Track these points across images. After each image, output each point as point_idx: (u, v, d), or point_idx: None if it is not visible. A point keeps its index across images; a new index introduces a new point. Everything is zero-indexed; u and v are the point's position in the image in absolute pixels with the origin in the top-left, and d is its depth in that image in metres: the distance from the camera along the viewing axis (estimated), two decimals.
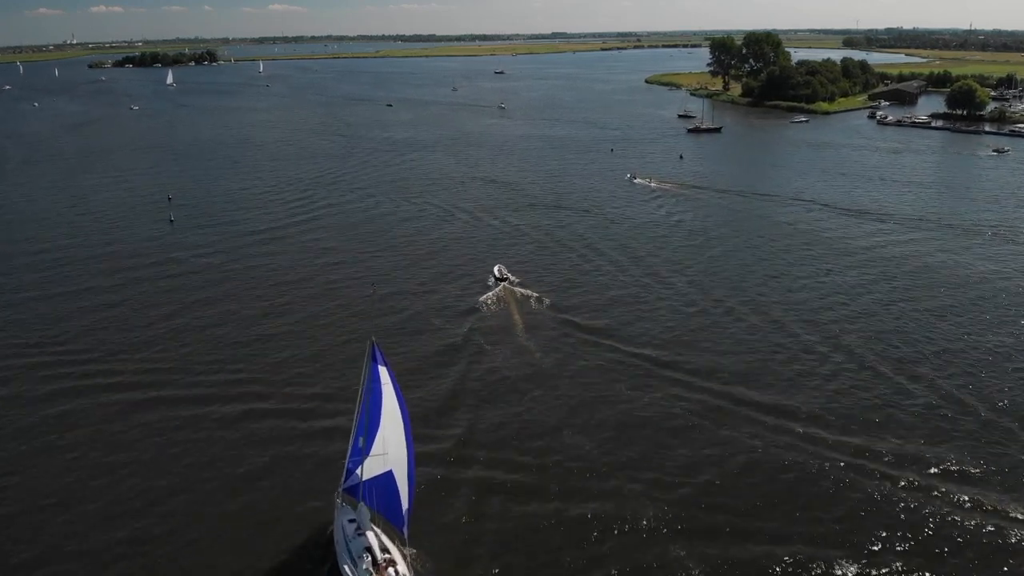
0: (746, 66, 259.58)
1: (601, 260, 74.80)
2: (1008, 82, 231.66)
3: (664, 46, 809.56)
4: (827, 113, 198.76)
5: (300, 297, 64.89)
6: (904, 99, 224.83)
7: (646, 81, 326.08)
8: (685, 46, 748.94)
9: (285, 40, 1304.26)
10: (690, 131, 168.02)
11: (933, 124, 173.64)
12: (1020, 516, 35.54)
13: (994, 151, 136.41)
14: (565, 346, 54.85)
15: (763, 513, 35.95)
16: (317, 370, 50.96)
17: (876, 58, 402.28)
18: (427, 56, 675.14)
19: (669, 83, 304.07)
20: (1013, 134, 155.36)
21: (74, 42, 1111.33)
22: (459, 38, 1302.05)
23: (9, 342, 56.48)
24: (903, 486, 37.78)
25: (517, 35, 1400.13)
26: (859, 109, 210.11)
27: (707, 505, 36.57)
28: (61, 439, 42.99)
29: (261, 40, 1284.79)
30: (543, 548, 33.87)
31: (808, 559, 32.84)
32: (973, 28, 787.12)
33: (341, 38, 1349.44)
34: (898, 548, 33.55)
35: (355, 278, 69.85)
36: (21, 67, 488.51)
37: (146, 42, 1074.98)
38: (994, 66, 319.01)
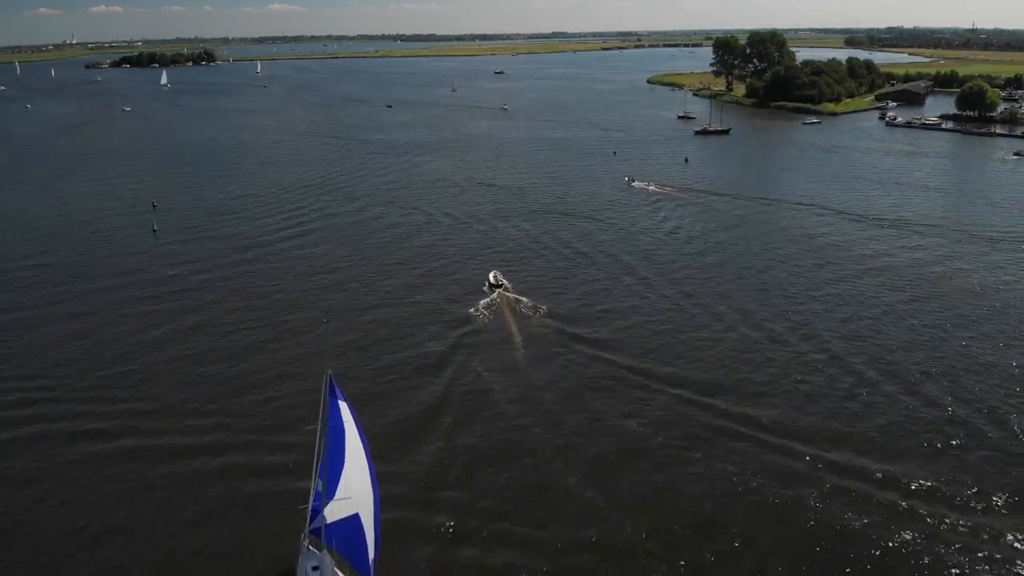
0: (750, 66, 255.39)
1: (600, 266, 72.00)
2: (1016, 82, 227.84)
3: (665, 45, 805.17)
4: (834, 114, 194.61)
5: (280, 317, 60.20)
6: (912, 100, 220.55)
7: (648, 81, 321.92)
8: (686, 45, 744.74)
9: (285, 40, 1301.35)
10: (697, 133, 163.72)
11: (943, 126, 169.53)
12: None
13: (1015, 154, 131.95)
14: (559, 360, 51.81)
15: None
16: (291, 400, 46.62)
17: (879, 57, 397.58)
18: (426, 56, 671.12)
19: (671, 83, 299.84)
20: None
21: (74, 42, 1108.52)
22: (459, 38, 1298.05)
23: None
24: (960, 546, 33.71)
25: (517, 35, 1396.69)
26: (867, 110, 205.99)
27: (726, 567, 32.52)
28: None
29: (261, 40, 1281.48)
30: None
31: None
32: (975, 27, 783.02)
33: (341, 38, 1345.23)
34: None
35: (341, 294, 65.73)
36: (18, 67, 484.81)
37: (146, 42, 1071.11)
38: (999, 66, 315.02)
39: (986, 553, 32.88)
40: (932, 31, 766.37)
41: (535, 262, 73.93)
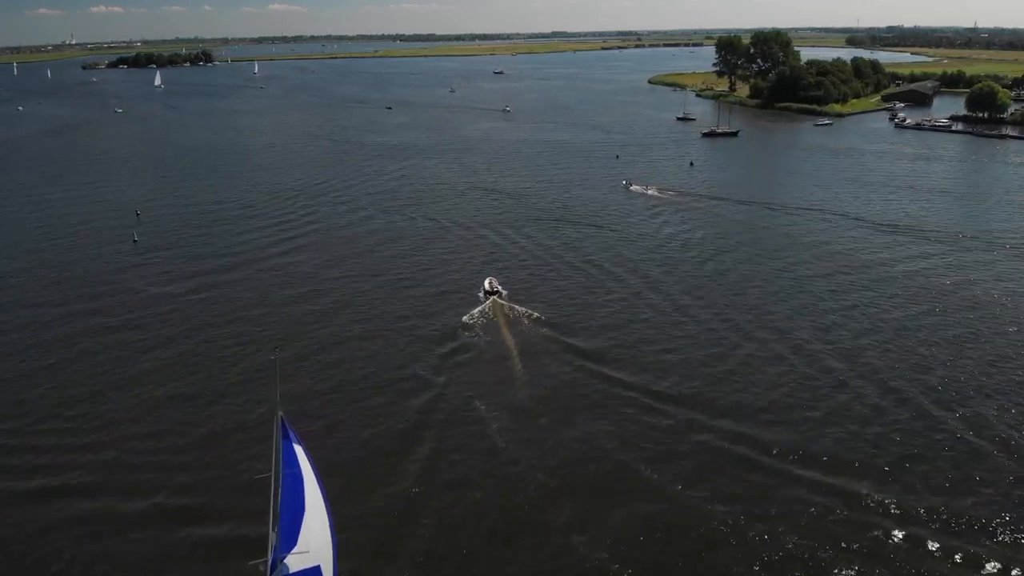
0: (753, 66, 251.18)
1: (598, 275, 69.46)
2: None
3: (665, 45, 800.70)
4: (841, 115, 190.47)
5: (259, 343, 55.69)
6: (919, 100, 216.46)
7: (649, 81, 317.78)
8: (687, 45, 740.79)
9: (285, 40, 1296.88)
10: (705, 135, 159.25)
11: (954, 127, 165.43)
12: None
13: None
14: (554, 376, 49.34)
15: None
16: (244, 445, 41.56)
17: (882, 57, 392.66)
18: (426, 56, 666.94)
19: (673, 83, 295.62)
20: None
21: (73, 42, 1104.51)
22: (459, 37, 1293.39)
23: None
24: None
25: (517, 34, 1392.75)
26: (875, 111, 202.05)
27: None
28: None
29: (260, 40, 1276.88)
30: None
31: None
32: (977, 27, 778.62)
33: (341, 38, 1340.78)
34: None
35: (332, 310, 61.66)
36: (16, 68, 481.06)
37: (145, 42, 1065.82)
38: (1004, 65, 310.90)
39: None
40: (933, 30, 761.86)
41: (533, 270, 71.28)
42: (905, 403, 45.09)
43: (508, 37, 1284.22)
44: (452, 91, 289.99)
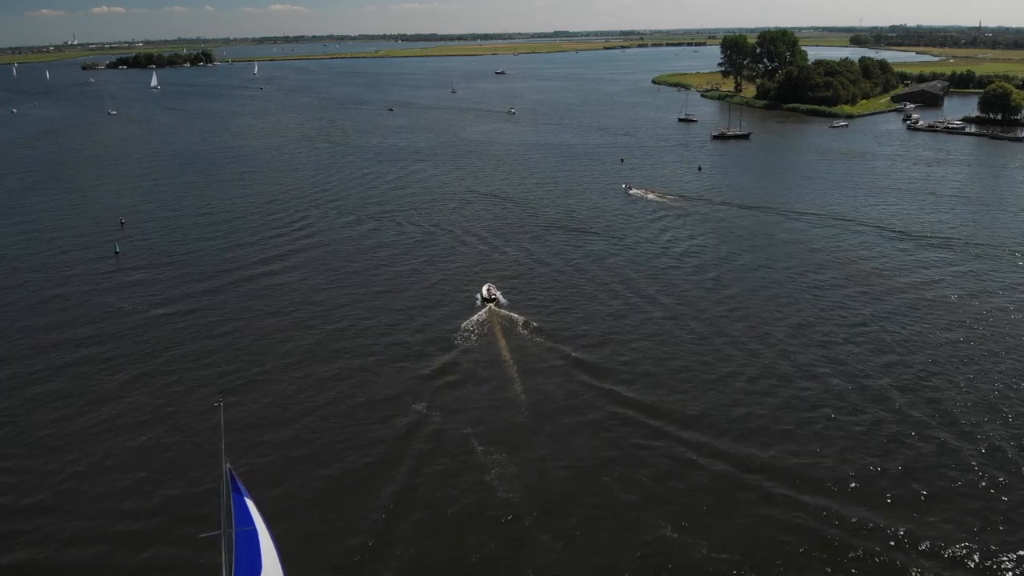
0: (760, 66, 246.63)
1: (600, 283, 66.79)
2: None
3: (668, 44, 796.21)
4: (851, 116, 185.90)
5: (240, 371, 51.70)
6: (929, 101, 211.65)
7: (653, 81, 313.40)
8: (690, 44, 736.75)
9: (286, 40, 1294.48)
10: (715, 137, 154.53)
11: (967, 129, 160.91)
12: None
13: None
14: (552, 390, 46.53)
15: None
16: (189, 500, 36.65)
17: (887, 57, 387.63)
18: (427, 56, 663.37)
19: (677, 83, 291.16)
20: None
21: (74, 43, 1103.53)
22: (460, 37, 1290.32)
23: None
24: None
25: (519, 34, 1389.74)
26: (885, 112, 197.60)
27: None
28: None
29: (262, 40, 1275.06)
30: None
31: None
32: (981, 25, 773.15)
33: (342, 38, 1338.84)
34: None
35: (326, 337, 57.46)
36: (15, 69, 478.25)
37: (147, 43, 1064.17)
38: (1012, 64, 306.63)
39: None
40: (936, 29, 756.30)
41: (534, 278, 68.53)
42: (927, 438, 41.28)
43: (510, 37, 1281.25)
44: (453, 92, 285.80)
